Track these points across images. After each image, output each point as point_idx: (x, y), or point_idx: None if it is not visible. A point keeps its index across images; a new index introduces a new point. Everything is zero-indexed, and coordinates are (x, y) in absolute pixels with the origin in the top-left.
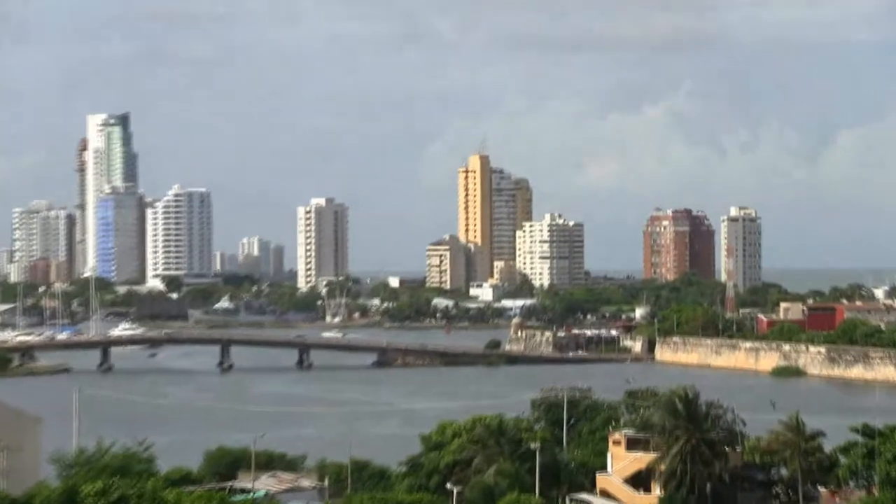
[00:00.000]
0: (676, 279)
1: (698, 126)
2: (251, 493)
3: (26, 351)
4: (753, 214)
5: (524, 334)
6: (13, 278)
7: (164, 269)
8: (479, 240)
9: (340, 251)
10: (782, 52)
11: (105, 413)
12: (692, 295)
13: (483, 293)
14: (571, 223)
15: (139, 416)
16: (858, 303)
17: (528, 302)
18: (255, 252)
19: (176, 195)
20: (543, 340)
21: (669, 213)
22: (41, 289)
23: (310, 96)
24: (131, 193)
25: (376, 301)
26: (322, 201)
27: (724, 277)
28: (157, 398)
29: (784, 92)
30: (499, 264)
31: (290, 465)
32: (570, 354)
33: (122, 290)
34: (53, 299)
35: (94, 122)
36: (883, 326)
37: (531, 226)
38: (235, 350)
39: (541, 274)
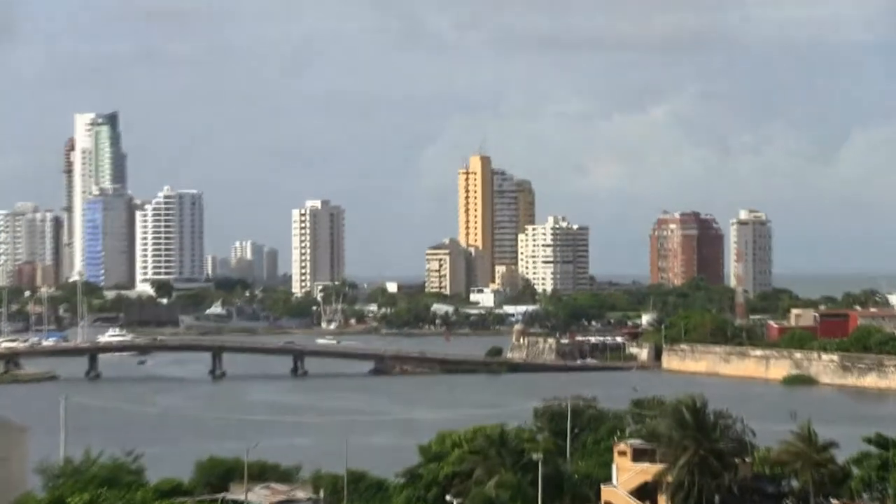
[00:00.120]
0: (684, 284)
1: (703, 127)
2: None
3: (11, 358)
4: (763, 217)
5: (526, 341)
6: None
7: (154, 274)
8: (479, 243)
9: (336, 255)
10: (788, 51)
11: (93, 422)
12: (700, 301)
13: (484, 299)
14: (575, 226)
15: (128, 426)
16: (872, 309)
17: (531, 308)
18: (249, 256)
19: (166, 197)
20: (546, 348)
21: (677, 216)
22: (27, 294)
23: (305, 95)
24: (120, 195)
25: (374, 307)
26: (318, 203)
27: (733, 283)
28: (146, 407)
29: (791, 92)
30: (500, 269)
31: (284, 475)
32: (579, 362)
33: (110, 295)
34: (39, 304)
35: (82, 121)
36: None
37: (534, 229)
38: (228, 357)
39: (544, 279)
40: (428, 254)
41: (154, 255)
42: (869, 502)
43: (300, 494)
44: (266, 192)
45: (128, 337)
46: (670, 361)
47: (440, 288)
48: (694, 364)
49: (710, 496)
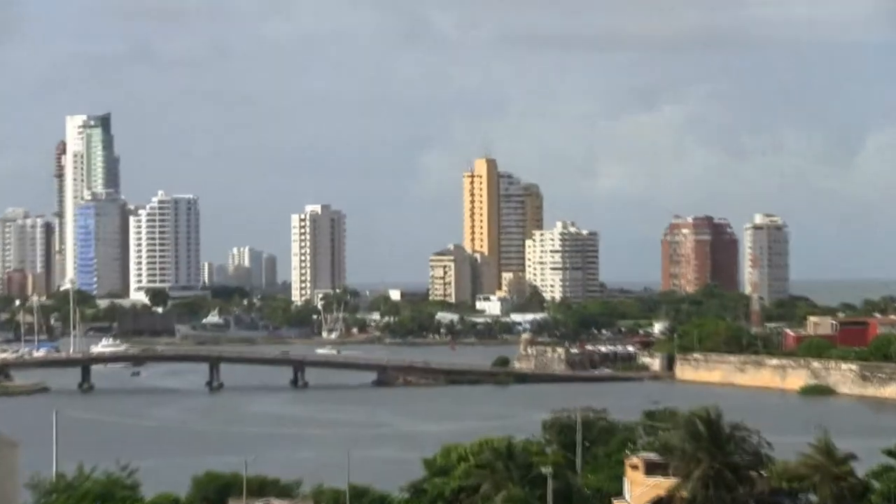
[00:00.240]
0: (697, 291)
1: (715, 128)
2: None
3: (1, 369)
4: (780, 222)
5: (534, 351)
6: None
7: (149, 282)
8: (485, 249)
9: (337, 262)
10: (803, 51)
11: (86, 435)
12: (714, 308)
13: (490, 307)
14: (585, 232)
15: (122, 439)
16: (893, 316)
17: (539, 316)
18: (246, 263)
19: (161, 202)
20: (555, 357)
21: (689, 220)
22: (17, 302)
23: (305, 96)
24: (113, 200)
25: (376, 315)
26: (317, 208)
27: (748, 290)
28: (141, 419)
29: (806, 93)
30: (507, 276)
31: (284, 490)
32: (597, 372)
33: (103, 303)
34: (30, 314)
35: (74, 123)
36: None
37: (542, 234)
38: (225, 368)
39: (552, 286)
40: (432, 260)
41: (148, 263)
42: None
43: None
44: (264, 197)
45: (122, 347)
46: (683, 371)
47: (445, 296)
48: (708, 374)
49: None
